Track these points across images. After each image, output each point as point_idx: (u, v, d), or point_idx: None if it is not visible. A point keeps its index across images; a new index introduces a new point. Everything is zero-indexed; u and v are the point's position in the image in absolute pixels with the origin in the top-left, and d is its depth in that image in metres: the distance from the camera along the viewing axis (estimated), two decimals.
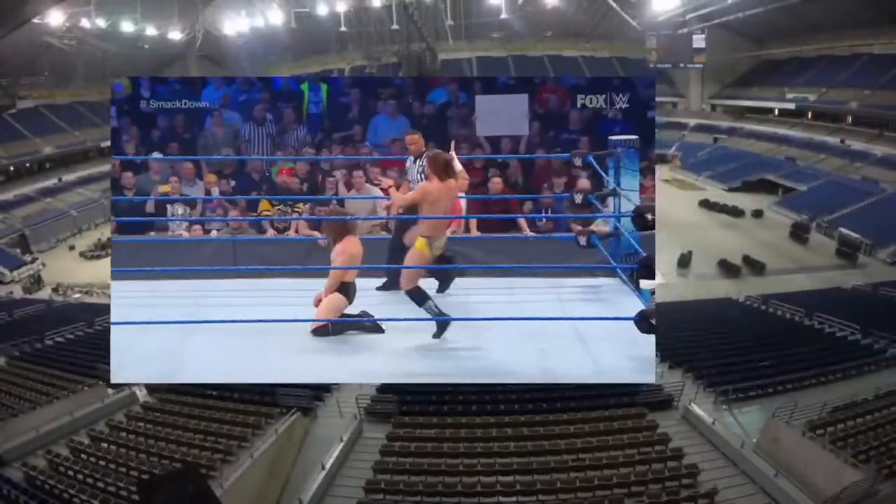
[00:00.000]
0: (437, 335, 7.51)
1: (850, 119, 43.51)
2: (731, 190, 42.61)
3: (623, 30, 54.55)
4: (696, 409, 11.41)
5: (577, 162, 9.35)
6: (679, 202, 38.83)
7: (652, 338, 7.13)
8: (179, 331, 7.63)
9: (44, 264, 33.46)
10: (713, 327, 18.03)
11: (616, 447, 10.23)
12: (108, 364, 15.19)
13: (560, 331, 7.53)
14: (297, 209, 10.56)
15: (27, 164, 45.97)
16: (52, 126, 48.95)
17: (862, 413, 10.51)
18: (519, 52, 65.55)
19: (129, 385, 14.47)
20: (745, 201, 38.49)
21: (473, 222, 10.21)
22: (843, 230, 29.79)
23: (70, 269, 32.73)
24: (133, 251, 9.82)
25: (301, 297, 8.21)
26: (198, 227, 10.83)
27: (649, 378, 7.19)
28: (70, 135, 49.67)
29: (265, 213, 10.65)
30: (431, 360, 7.26)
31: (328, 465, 10.08)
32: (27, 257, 33.99)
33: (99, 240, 37.38)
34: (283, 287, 8.83)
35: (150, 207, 10.88)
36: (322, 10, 53.59)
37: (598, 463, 9.70)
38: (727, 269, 26.08)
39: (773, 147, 47.43)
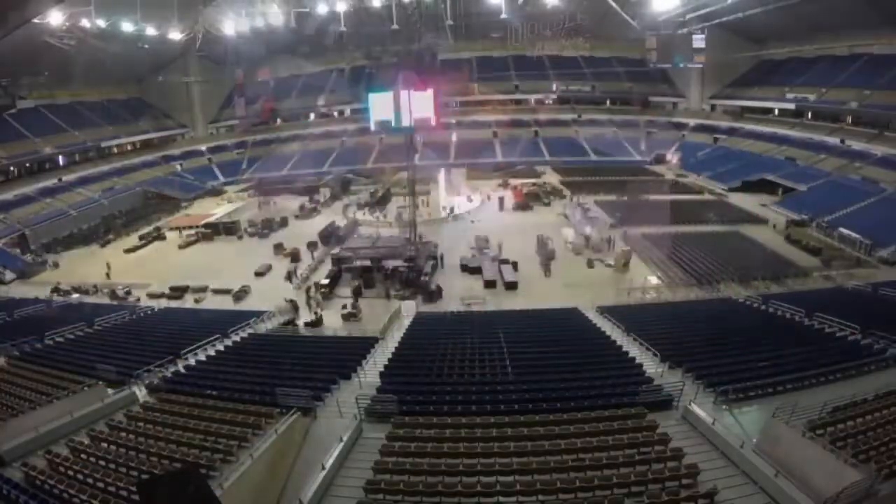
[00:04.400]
0: None
1: (850, 119, 43.52)
2: (731, 190, 42.65)
3: (623, 30, 54.49)
4: (696, 409, 11.41)
5: None
6: None
7: None
8: None
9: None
10: (713, 327, 18.04)
11: (616, 447, 10.23)
12: (108, 364, 15.20)
13: None
14: None
15: (27, 164, 46.03)
16: (52, 126, 48.99)
17: (862, 413, 10.51)
18: (519, 52, 65.56)
19: (128, 385, 14.52)
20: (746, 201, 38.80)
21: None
22: (843, 230, 29.82)
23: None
24: None
25: None
26: None
27: None
28: (70, 135, 49.72)
29: None
30: None
31: (328, 465, 10.08)
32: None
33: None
34: None
35: None
36: (322, 10, 53.54)
37: (598, 463, 9.70)
38: None
39: (773, 147, 47.44)
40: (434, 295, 24.57)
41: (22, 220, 38.73)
